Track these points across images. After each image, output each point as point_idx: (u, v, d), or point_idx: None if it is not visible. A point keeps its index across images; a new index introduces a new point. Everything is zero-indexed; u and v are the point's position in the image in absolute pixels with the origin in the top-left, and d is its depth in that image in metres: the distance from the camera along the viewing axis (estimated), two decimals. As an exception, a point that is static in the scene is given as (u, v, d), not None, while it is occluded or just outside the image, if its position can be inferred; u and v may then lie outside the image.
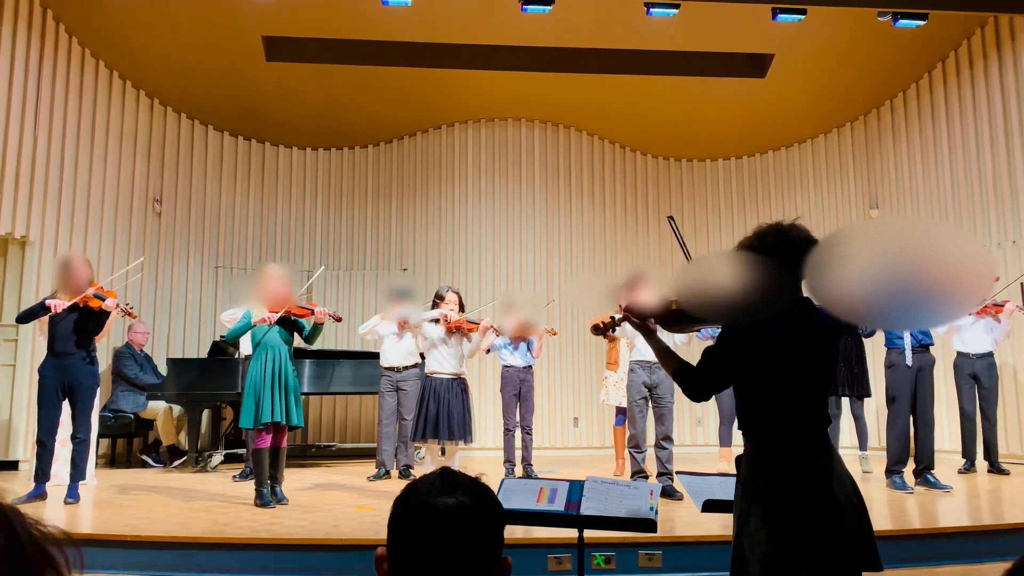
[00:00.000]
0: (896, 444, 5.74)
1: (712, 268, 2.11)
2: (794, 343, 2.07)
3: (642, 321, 2.30)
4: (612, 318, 2.42)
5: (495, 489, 1.70)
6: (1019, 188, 7.61)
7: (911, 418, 5.80)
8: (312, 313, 5.26)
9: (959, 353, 6.81)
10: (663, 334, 2.37)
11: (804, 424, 2.06)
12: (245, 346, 6.74)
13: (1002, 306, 6.59)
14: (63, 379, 5.17)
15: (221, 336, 8.31)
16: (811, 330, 2.07)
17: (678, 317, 2.23)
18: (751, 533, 2.03)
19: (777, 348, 2.07)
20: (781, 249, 2.07)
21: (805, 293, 1.95)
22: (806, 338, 2.08)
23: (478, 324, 5.62)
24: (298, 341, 5.40)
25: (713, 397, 6.34)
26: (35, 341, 6.80)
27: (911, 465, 5.78)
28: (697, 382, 2.14)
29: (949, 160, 8.39)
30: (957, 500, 5.27)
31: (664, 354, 2.24)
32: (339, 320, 5.41)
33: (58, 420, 5.23)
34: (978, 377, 6.70)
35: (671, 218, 2.84)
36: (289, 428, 5.26)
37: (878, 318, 1.81)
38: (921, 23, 7.35)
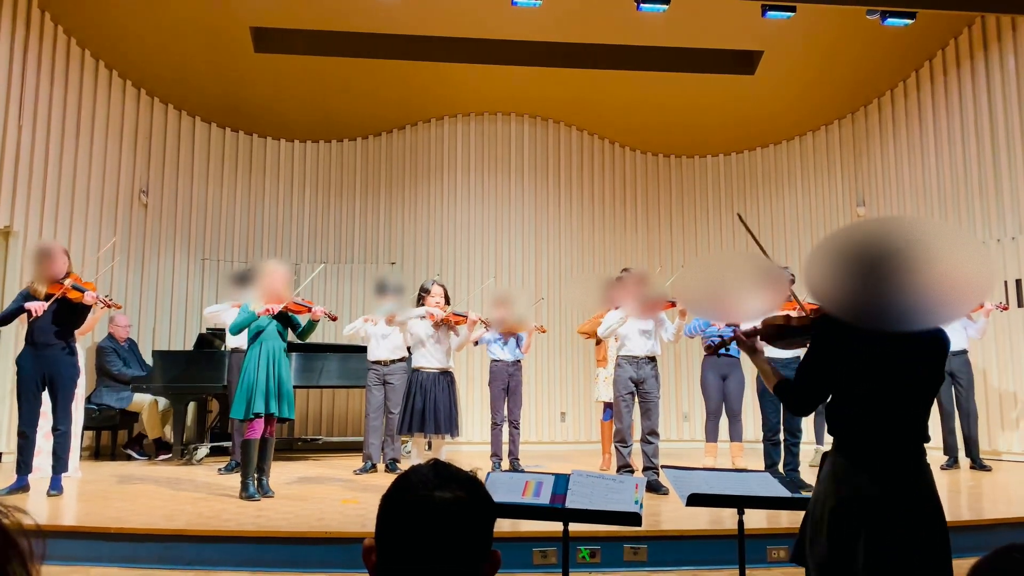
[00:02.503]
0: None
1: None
2: (890, 355, 2.06)
3: (750, 340, 2.36)
4: (723, 339, 2.50)
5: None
6: (1004, 186, 7.67)
7: None
8: (309, 310, 5.29)
9: None
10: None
11: (893, 435, 2.08)
12: (231, 339, 6.72)
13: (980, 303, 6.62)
14: (43, 371, 5.12)
15: (208, 329, 8.27)
16: (911, 344, 2.05)
17: (782, 333, 2.30)
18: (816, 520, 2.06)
19: (871, 358, 2.06)
20: None
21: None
22: (904, 351, 2.06)
23: (466, 317, 5.60)
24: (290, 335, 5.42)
25: (700, 389, 6.40)
26: (19, 332, 6.73)
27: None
28: (796, 397, 2.17)
29: (936, 158, 8.44)
30: (939, 496, 5.31)
31: (768, 373, 2.28)
32: (334, 319, 5.49)
33: (39, 412, 5.19)
34: (954, 374, 6.76)
35: (740, 216, 2.88)
36: (279, 421, 5.27)
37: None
38: (909, 21, 7.38)
